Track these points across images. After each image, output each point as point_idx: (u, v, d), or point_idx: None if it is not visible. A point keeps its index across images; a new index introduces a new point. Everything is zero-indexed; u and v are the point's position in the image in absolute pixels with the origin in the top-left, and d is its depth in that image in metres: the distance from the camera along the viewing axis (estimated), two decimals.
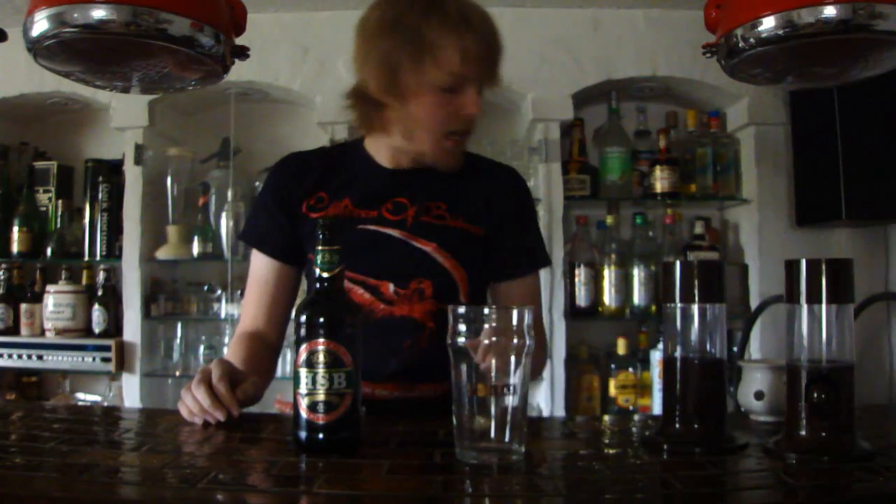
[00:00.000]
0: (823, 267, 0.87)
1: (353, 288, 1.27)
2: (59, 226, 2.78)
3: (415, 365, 1.28)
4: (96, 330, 2.64)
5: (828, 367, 0.87)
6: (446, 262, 1.29)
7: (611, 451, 0.96)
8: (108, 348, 2.59)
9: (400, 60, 1.18)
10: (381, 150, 1.33)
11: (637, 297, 2.61)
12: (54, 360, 2.61)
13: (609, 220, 2.65)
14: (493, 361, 0.84)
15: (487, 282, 1.38)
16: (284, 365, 2.65)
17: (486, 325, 0.86)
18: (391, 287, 1.27)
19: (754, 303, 2.51)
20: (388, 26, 1.19)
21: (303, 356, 0.89)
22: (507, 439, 0.85)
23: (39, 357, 2.61)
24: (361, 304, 1.26)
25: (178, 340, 2.71)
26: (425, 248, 1.28)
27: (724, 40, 1.10)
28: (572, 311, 2.61)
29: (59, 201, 2.79)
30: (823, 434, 0.86)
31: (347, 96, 1.29)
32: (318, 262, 0.93)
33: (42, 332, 2.67)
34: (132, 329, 2.63)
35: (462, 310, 0.88)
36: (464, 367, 0.86)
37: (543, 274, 2.56)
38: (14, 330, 2.69)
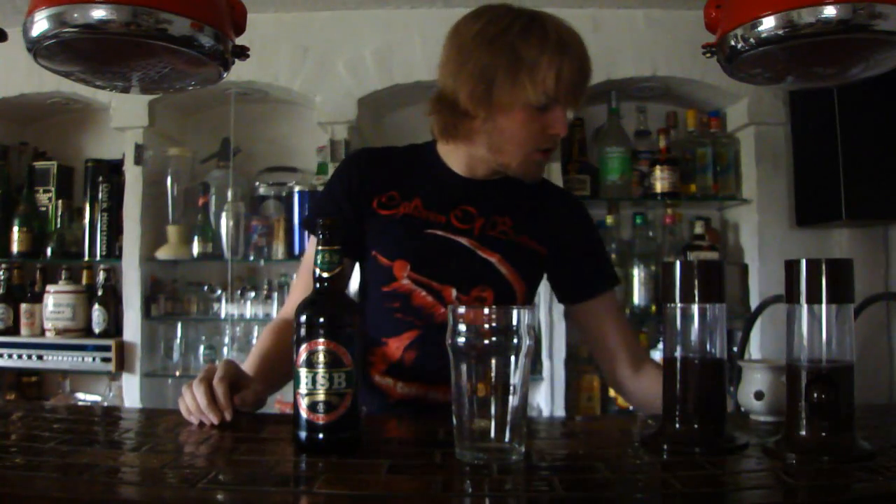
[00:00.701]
0: (823, 267, 0.87)
1: (416, 290, 1.29)
2: (59, 226, 2.79)
3: None
4: (96, 330, 2.65)
5: (828, 367, 0.87)
6: (509, 274, 1.32)
7: (611, 451, 0.96)
8: (108, 348, 2.59)
9: (496, 75, 1.20)
10: (455, 156, 1.35)
11: (637, 297, 2.61)
12: (54, 360, 2.61)
13: (609, 220, 2.66)
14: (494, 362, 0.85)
15: (534, 298, 1.43)
16: None
17: (487, 326, 0.86)
18: (453, 293, 1.30)
19: (754, 303, 2.51)
20: (487, 41, 1.21)
21: (303, 356, 0.89)
22: (507, 439, 0.85)
23: (39, 357, 2.61)
24: (423, 307, 1.29)
25: (178, 340, 2.71)
26: (490, 258, 1.31)
27: (723, 40, 1.10)
28: None
29: (59, 201, 2.79)
30: (823, 434, 0.86)
31: (431, 103, 1.31)
32: (318, 261, 0.93)
33: (42, 332, 2.67)
34: (132, 329, 2.63)
35: (462, 310, 0.88)
36: (464, 367, 0.86)
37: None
38: (14, 330, 2.69)
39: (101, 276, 2.68)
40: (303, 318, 0.90)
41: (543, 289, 2.54)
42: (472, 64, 1.22)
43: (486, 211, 1.33)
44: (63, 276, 2.67)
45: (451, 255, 1.31)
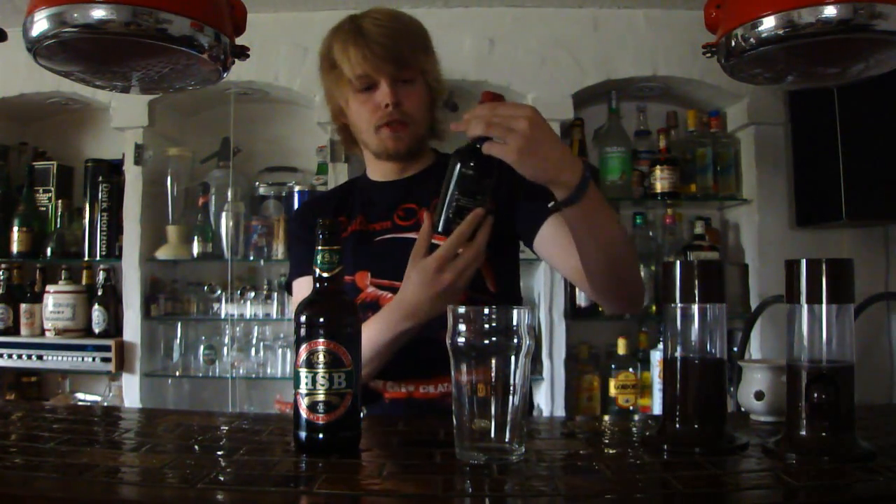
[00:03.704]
0: (823, 267, 0.87)
1: (382, 294, 1.32)
2: (59, 226, 2.78)
3: None
4: (96, 330, 2.64)
5: (828, 367, 0.87)
6: None
7: (611, 451, 0.96)
8: (107, 348, 2.59)
9: (329, 86, 1.39)
10: (376, 170, 1.46)
11: None
12: (54, 360, 2.61)
13: None
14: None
15: (513, 261, 1.44)
16: (284, 365, 2.66)
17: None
18: None
19: (754, 303, 2.51)
20: (321, 65, 1.41)
21: (303, 356, 0.89)
22: (507, 439, 0.85)
23: (39, 357, 2.61)
24: None
25: (177, 340, 2.71)
26: (440, 242, 1.29)
27: (724, 40, 1.10)
28: (572, 311, 2.61)
29: (59, 201, 2.79)
30: (823, 434, 0.86)
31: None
32: (318, 262, 0.93)
33: (42, 332, 2.67)
34: (132, 329, 2.63)
35: (462, 310, 0.88)
36: (464, 367, 0.86)
37: (543, 274, 2.57)
38: (14, 330, 2.69)
39: (101, 276, 2.68)
40: (303, 318, 0.90)
41: (543, 290, 2.56)
42: (323, 88, 1.43)
43: (426, 201, 1.37)
44: (63, 276, 2.67)
45: (404, 252, 1.28)
